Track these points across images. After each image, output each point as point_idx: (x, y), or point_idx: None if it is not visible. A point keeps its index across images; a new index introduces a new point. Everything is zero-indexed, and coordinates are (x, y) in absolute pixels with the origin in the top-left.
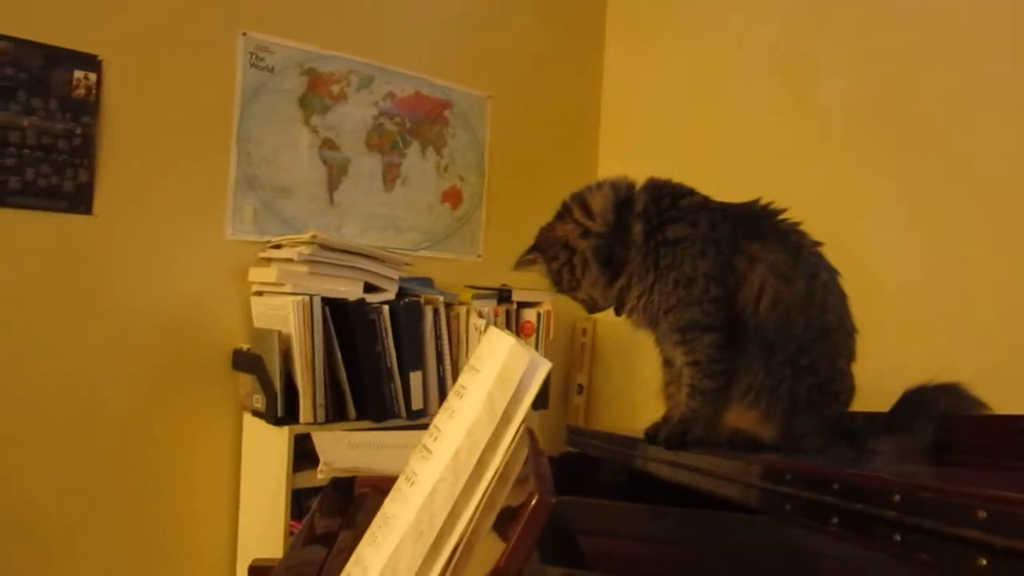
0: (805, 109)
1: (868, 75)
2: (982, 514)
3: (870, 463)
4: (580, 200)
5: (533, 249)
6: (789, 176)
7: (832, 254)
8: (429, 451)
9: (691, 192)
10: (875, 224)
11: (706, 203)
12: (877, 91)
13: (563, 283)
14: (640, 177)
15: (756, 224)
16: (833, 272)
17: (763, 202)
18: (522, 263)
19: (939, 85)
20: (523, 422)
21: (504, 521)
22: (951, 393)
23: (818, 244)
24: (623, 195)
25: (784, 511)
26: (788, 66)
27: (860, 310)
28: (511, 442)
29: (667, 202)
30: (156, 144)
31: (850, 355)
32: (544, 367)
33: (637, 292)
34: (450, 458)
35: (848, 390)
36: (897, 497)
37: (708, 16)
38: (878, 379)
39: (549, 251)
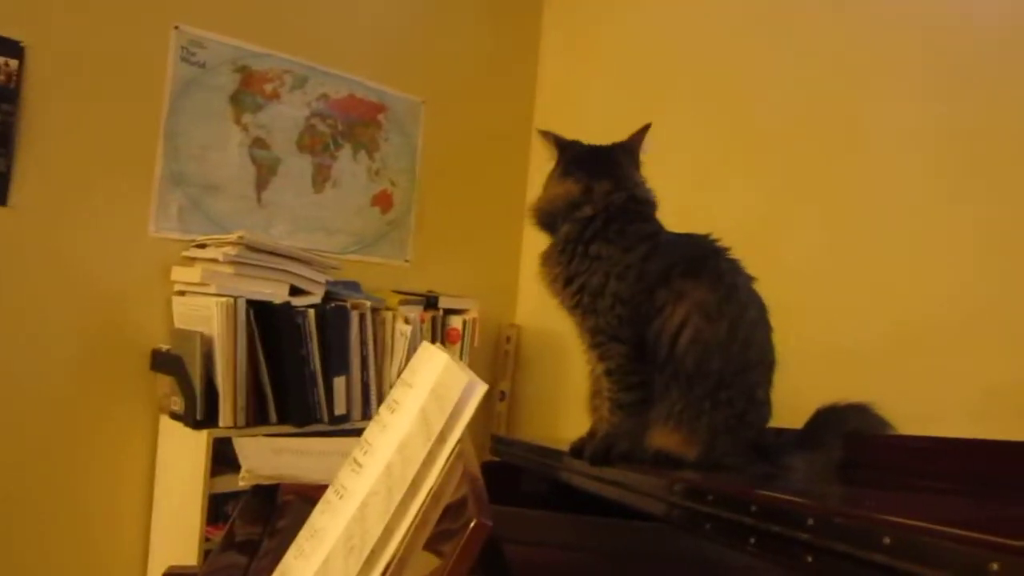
0: (735, 127)
1: (797, 95)
2: (887, 540)
3: (784, 480)
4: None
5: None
6: (716, 192)
7: (753, 271)
8: (359, 464)
9: (649, 219)
10: (796, 243)
11: (654, 234)
12: (806, 112)
13: None
14: None
15: (696, 262)
16: (762, 308)
17: (713, 238)
18: None
19: (866, 109)
20: (459, 442)
21: (438, 541)
22: (860, 412)
23: (751, 279)
24: (584, 197)
25: (704, 530)
26: (720, 82)
27: (778, 327)
28: (446, 461)
29: (615, 226)
30: (79, 135)
31: (768, 385)
32: (481, 388)
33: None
34: (381, 472)
35: (765, 416)
36: (811, 520)
37: (643, 28)
38: (794, 396)
39: None
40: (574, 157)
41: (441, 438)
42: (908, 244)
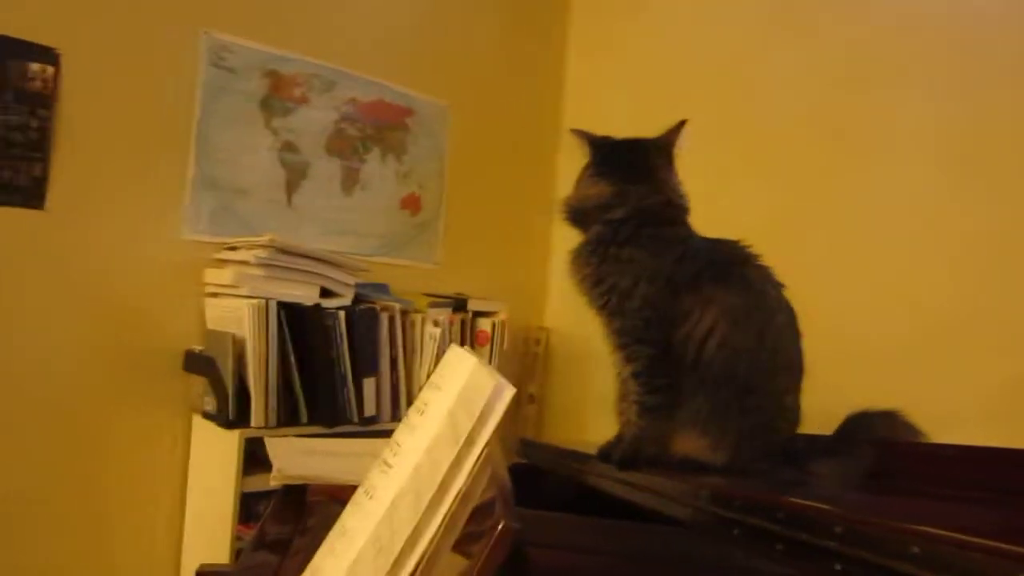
0: (756, 128)
1: (818, 98)
2: (915, 549)
3: (812, 486)
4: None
5: None
6: (734, 194)
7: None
8: (389, 465)
9: (681, 224)
10: (815, 245)
11: (685, 239)
12: (825, 114)
13: None
14: None
15: (725, 268)
16: (791, 314)
17: (743, 244)
18: None
19: (878, 113)
20: (487, 445)
21: (466, 543)
22: (889, 419)
23: (781, 286)
24: (617, 200)
25: (732, 535)
26: (740, 82)
27: (805, 334)
28: (475, 465)
29: (647, 230)
30: (113, 141)
31: (797, 391)
32: (509, 392)
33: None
34: (410, 474)
35: (793, 423)
36: (839, 528)
37: (668, 31)
38: (822, 402)
39: None
40: (607, 156)
41: (469, 441)
42: (926, 244)
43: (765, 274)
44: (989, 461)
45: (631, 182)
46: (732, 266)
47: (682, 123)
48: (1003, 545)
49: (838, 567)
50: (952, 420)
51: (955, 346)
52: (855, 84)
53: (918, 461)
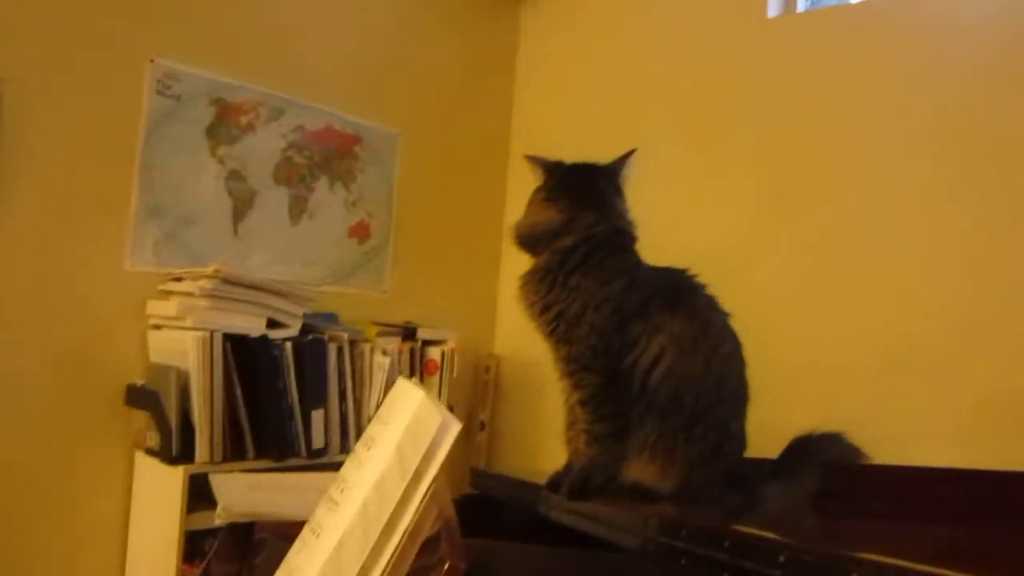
0: (711, 149)
1: (772, 119)
2: None
3: (759, 514)
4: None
5: None
6: (694, 217)
7: (732, 296)
8: (336, 502)
9: (629, 252)
10: (775, 267)
11: (633, 267)
12: (781, 136)
13: None
14: None
15: (673, 297)
16: (736, 343)
17: (690, 273)
18: None
19: (836, 136)
20: (434, 481)
21: None
22: (833, 442)
23: (726, 315)
24: (566, 227)
25: (679, 564)
26: (695, 105)
27: (759, 352)
28: (422, 501)
29: (595, 258)
30: (55, 169)
31: (742, 417)
32: (455, 428)
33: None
34: (357, 511)
35: (739, 448)
36: (782, 557)
37: (616, 59)
38: (769, 425)
39: None
40: (558, 181)
41: (416, 477)
42: (886, 265)
43: (711, 303)
44: (937, 481)
45: (580, 209)
46: (679, 294)
47: (631, 152)
48: (945, 572)
49: None
50: (913, 441)
51: (921, 367)
52: (811, 104)
53: (865, 482)
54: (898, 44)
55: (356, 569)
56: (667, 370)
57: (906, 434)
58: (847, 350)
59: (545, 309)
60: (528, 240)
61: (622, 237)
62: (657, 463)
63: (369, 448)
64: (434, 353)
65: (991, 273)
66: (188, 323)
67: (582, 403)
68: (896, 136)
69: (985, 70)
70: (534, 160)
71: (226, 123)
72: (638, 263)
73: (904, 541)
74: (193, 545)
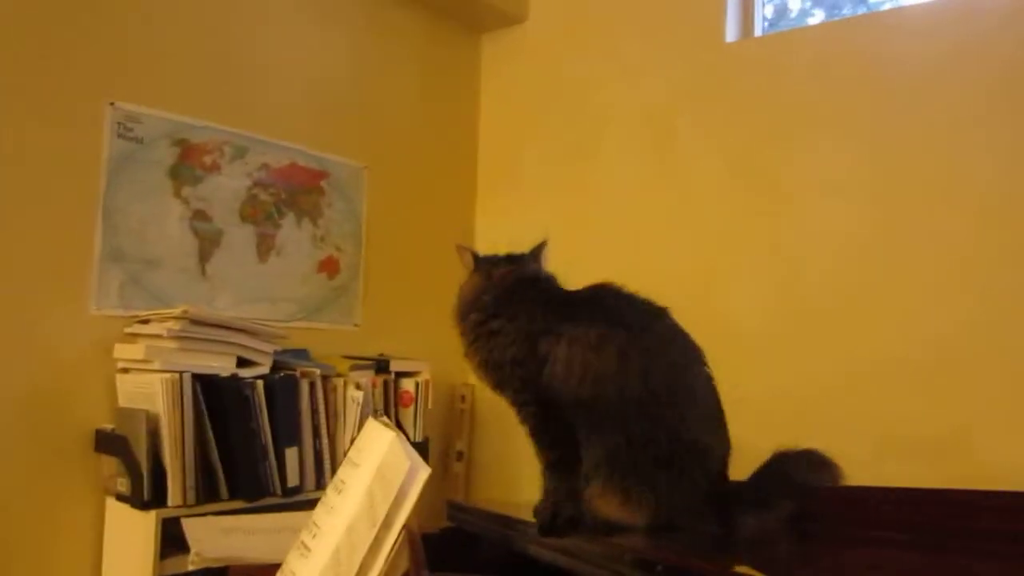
0: (670, 176)
1: (728, 146)
2: None
3: (739, 546)
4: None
5: None
6: (658, 241)
7: (699, 318)
8: (308, 548)
9: (541, 290)
10: (734, 286)
11: (541, 297)
12: (737, 166)
13: None
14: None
15: (575, 306)
16: (671, 342)
17: (610, 284)
18: None
19: (795, 156)
20: (404, 527)
21: None
22: (810, 458)
23: (655, 314)
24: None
25: None
26: (654, 135)
27: (726, 373)
28: (393, 547)
29: (506, 302)
30: (15, 215)
31: (705, 426)
32: (424, 473)
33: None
34: (329, 558)
35: (703, 462)
36: None
37: (581, 88)
38: (748, 441)
39: None
40: (484, 259)
41: (387, 524)
42: (849, 283)
43: (627, 299)
44: (912, 502)
45: (496, 267)
46: (583, 302)
47: (544, 242)
48: None
49: None
50: (877, 462)
51: (882, 390)
52: (765, 132)
53: (843, 505)
54: (855, 66)
55: None
56: (581, 371)
57: (877, 453)
58: (814, 369)
59: (481, 363)
60: (460, 313)
61: (535, 280)
62: (614, 486)
63: (340, 492)
64: (408, 385)
65: (958, 291)
66: (156, 365)
67: (530, 437)
68: (856, 156)
69: (941, 92)
70: (462, 250)
71: (189, 163)
72: (549, 295)
73: (886, 568)
74: None
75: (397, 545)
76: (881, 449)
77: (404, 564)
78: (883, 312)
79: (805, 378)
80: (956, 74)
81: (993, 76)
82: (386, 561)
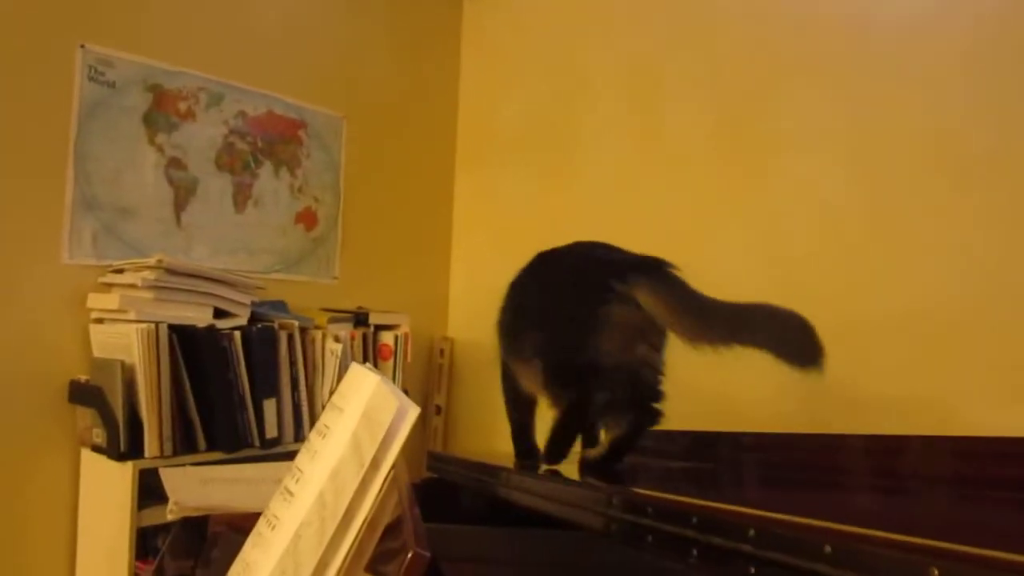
0: (651, 129)
1: (712, 103)
2: (828, 549)
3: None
4: None
5: None
6: (641, 198)
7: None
8: (291, 494)
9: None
10: (720, 247)
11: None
12: (724, 120)
13: None
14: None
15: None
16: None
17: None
18: None
19: (780, 113)
20: (392, 468)
21: (376, 569)
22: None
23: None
24: None
25: (646, 543)
26: (637, 92)
27: None
28: (381, 489)
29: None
30: None
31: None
32: (413, 413)
33: None
34: (314, 501)
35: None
36: (752, 532)
37: (561, 42)
38: (722, 399)
39: None
40: None
41: (374, 465)
42: (829, 247)
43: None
44: (888, 451)
45: None
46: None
47: None
48: (913, 540)
49: (752, 570)
50: (858, 412)
51: (859, 344)
52: (751, 85)
53: (819, 453)
54: (828, 18)
55: (314, 561)
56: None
57: (853, 413)
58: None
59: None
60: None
61: None
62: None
63: (324, 436)
64: (387, 338)
65: (935, 247)
66: (131, 315)
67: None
68: (841, 110)
69: (924, 47)
70: None
71: (164, 110)
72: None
73: (868, 512)
74: (146, 542)
75: (386, 486)
76: (856, 409)
77: (393, 504)
78: (864, 272)
79: None
80: (938, 29)
81: (974, 31)
82: (374, 503)
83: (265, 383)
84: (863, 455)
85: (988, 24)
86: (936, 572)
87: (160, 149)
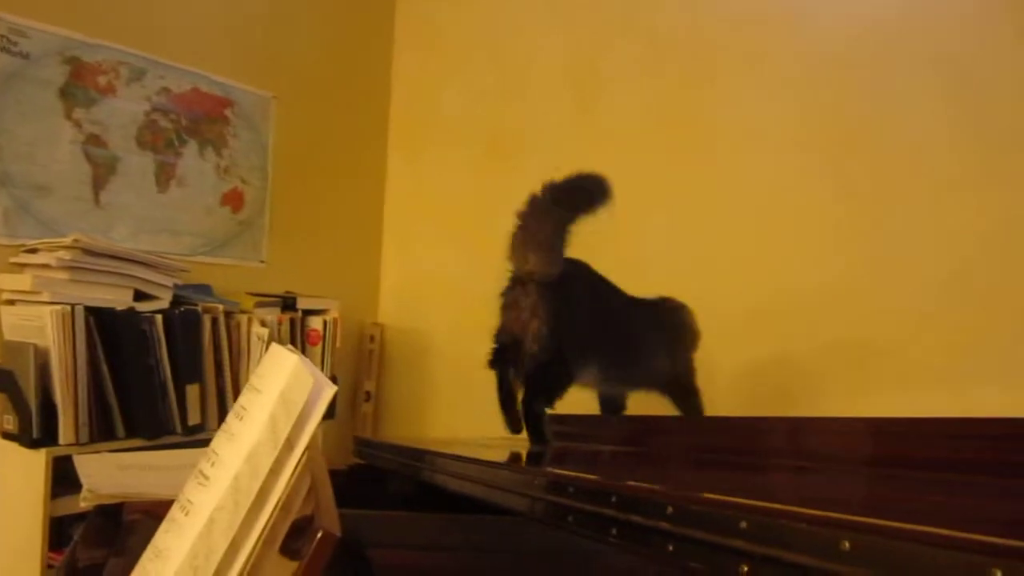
0: (591, 117)
1: (651, 93)
2: (744, 524)
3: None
4: None
5: None
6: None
7: (614, 259)
8: (206, 477)
9: None
10: (654, 232)
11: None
12: (660, 108)
13: None
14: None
15: None
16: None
17: None
18: None
19: (719, 96)
20: (306, 448)
21: (289, 552)
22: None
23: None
24: None
25: (567, 522)
26: (575, 76)
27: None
28: (294, 470)
29: None
30: None
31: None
32: (329, 390)
33: None
34: (228, 485)
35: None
36: (670, 509)
37: (496, 26)
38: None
39: None
40: None
41: (288, 445)
42: (771, 225)
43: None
44: (801, 431)
45: None
46: None
47: None
48: (826, 514)
49: (671, 547)
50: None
51: (807, 331)
52: (688, 77)
53: (736, 435)
54: (774, 11)
55: (226, 544)
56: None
57: (786, 383)
58: (720, 304)
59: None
60: None
61: None
62: None
63: (241, 419)
64: (316, 323)
65: (856, 232)
66: (45, 297)
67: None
68: (776, 109)
69: (853, 34)
70: None
71: (82, 84)
72: None
73: (785, 490)
74: (61, 532)
75: (300, 467)
76: (784, 379)
77: (308, 485)
78: (810, 259)
79: (725, 321)
80: (888, 20)
81: (922, 24)
82: (288, 484)
83: (188, 368)
84: (786, 437)
85: (936, 16)
86: (847, 545)
87: (78, 124)
